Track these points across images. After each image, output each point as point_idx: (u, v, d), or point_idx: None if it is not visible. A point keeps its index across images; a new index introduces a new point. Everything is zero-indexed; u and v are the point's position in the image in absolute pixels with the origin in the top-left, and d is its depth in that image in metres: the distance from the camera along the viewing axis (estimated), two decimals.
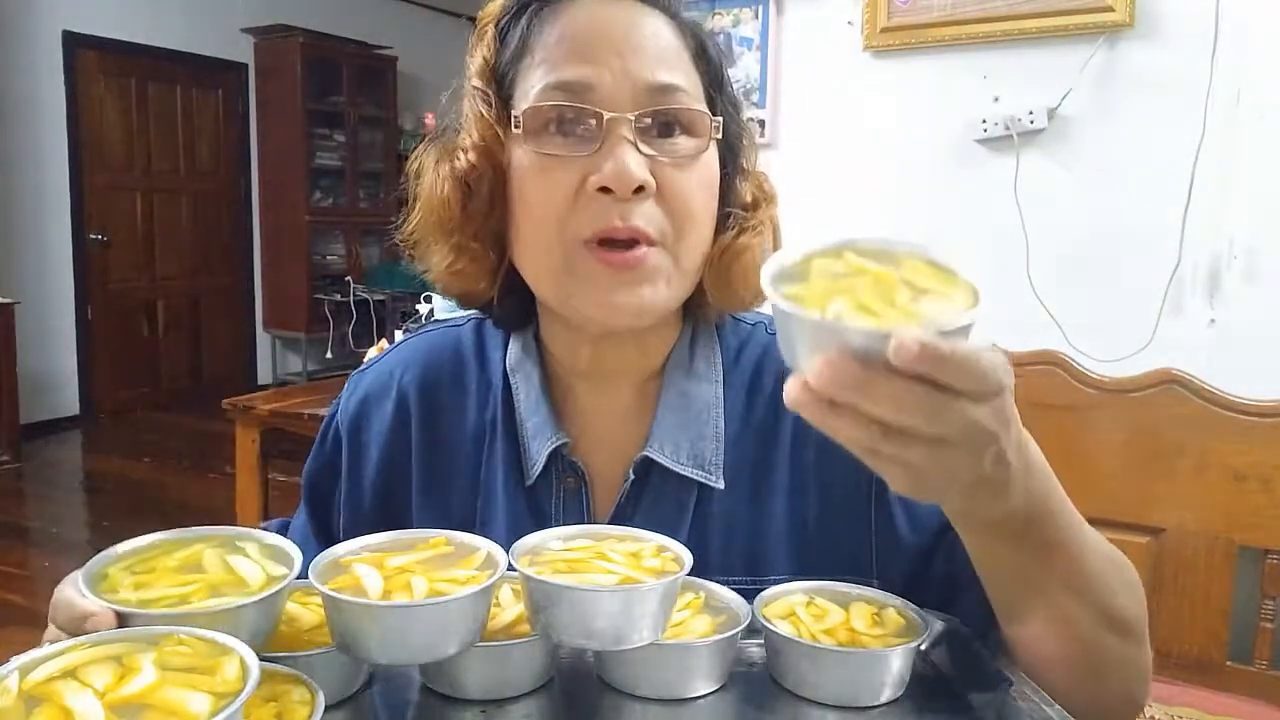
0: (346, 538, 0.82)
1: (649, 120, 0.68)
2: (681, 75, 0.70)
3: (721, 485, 0.75)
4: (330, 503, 0.85)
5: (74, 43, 5.79)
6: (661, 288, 0.70)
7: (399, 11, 7.63)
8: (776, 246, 0.79)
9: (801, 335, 0.46)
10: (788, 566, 0.74)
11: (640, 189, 0.67)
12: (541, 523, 0.75)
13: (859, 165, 2.27)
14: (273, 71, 6.71)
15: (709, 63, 0.73)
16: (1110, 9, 1.92)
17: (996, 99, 2.08)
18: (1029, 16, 2.01)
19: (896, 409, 0.44)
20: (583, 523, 0.75)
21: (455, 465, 0.79)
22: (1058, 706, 0.57)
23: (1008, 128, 2.05)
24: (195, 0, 6.36)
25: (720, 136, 0.73)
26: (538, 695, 0.61)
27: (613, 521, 0.75)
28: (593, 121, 0.67)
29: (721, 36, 2.28)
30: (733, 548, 0.75)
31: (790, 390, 0.46)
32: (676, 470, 0.74)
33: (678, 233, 0.69)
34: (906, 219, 2.21)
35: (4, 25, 5.45)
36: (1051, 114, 2.02)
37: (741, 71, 2.34)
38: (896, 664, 0.60)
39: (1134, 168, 1.97)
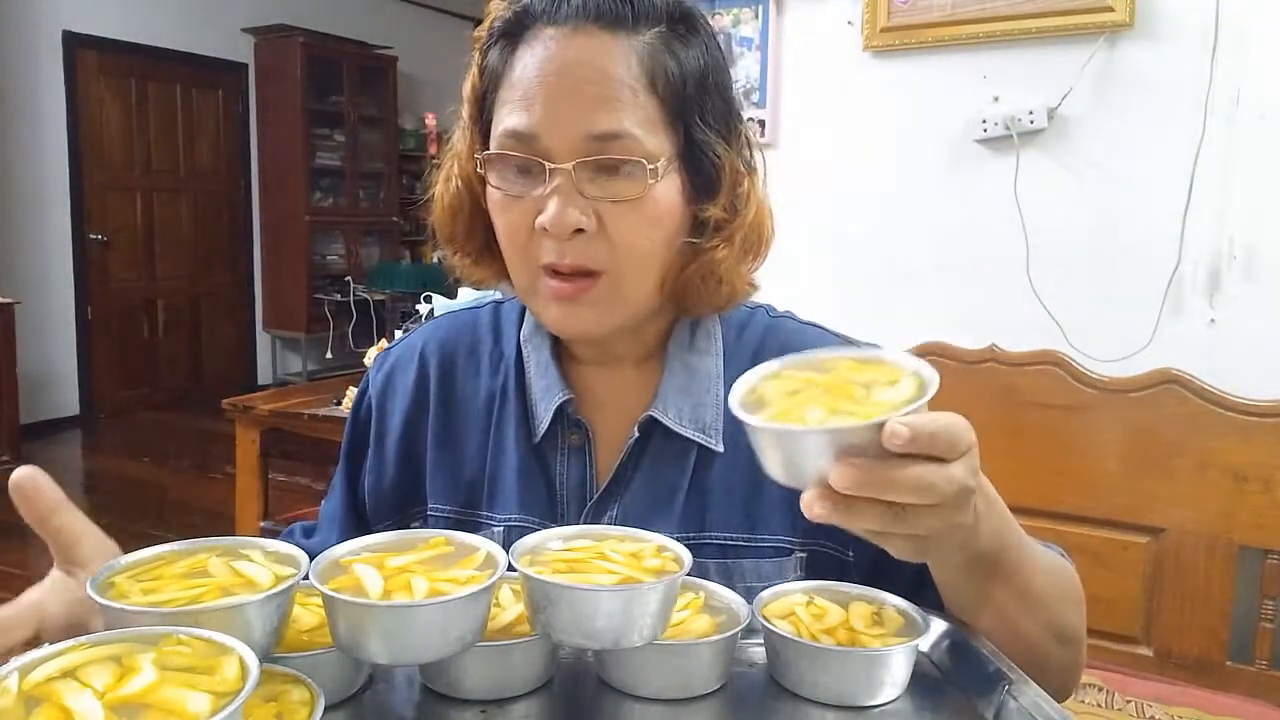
0: (371, 507, 0.87)
1: (590, 166, 0.71)
2: (627, 116, 0.70)
3: (721, 449, 0.79)
4: (360, 475, 0.90)
5: (74, 43, 5.78)
6: (604, 313, 0.75)
7: (399, 11, 7.63)
8: (764, 250, 0.80)
9: (799, 449, 0.52)
10: (781, 528, 0.79)
11: (580, 230, 0.71)
12: (548, 479, 0.81)
13: (859, 165, 2.26)
14: (273, 71, 6.71)
15: (672, 88, 0.72)
16: (1110, 9, 1.92)
17: (996, 99, 2.08)
18: (1029, 16, 2.01)
19: (913, 489, 0.50)
20: (586, 479, 0.81)
21: (468, 426, 0.85)
22: (1057, 705, 0.57)
23: (1008, 128, 2.05)
24: (195, 0, 6.36)
25: (660, 178, 0.71)
26: (538, 695, 0.61)
27: (615, 479, 0.80)
28: (541, 166, 0.71)
29: (722, 36, 2.28)
30: (731, 508, 0.79)
31: (810, 503, 0.52)
32: (679, 431, 0.79)
33: (620, 266, 0.73)
34: (906, 219, 2.21)
35: (4, 25, 5.44)
36: (1051, 114, 2.01)
37: (741, 71, 2.34)
38: (896, 663, 0.61)
39: (1134, 168, 1.96)
